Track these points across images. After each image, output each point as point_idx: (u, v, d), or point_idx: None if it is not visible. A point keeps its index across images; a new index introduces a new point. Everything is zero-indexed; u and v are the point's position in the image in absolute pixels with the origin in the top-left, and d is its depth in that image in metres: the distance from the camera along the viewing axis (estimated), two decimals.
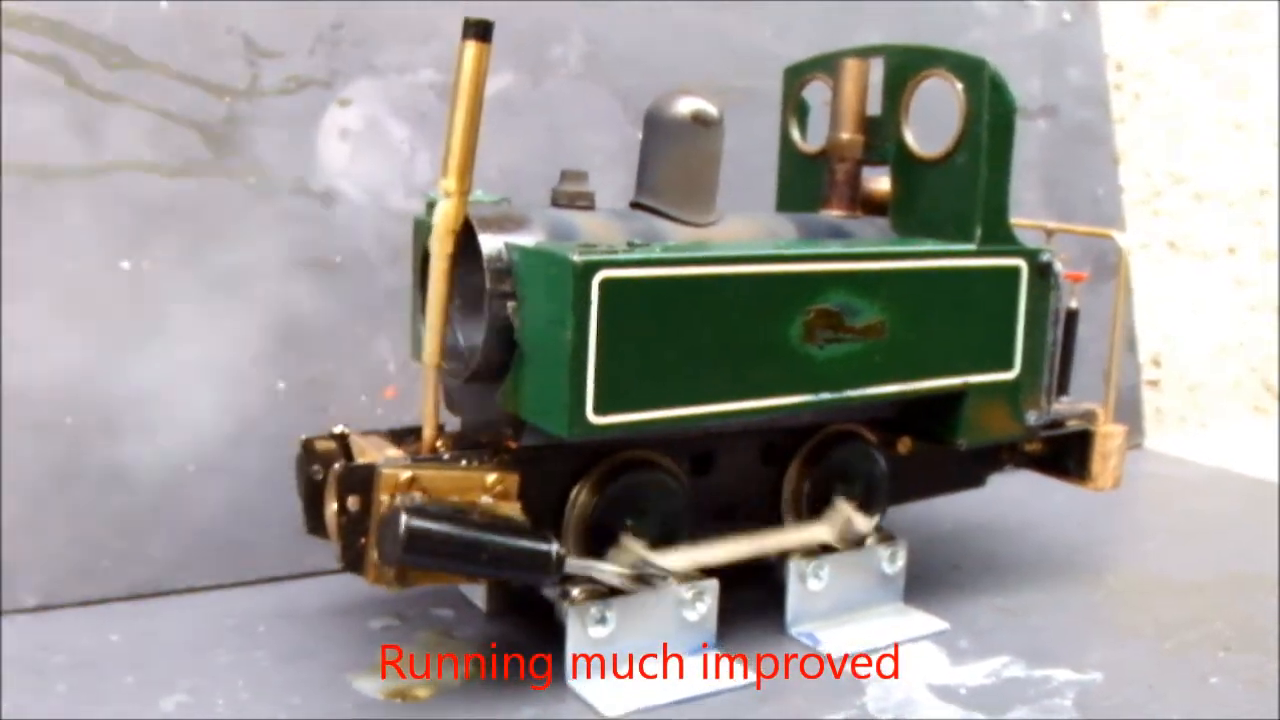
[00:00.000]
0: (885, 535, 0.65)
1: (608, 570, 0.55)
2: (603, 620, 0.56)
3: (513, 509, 0.53)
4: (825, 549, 0.63)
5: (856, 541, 0.63)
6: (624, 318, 0.50)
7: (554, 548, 0.52)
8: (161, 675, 0.56)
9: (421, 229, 0.61)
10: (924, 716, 0.55)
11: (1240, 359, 1.14)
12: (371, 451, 0.56)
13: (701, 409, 0.52)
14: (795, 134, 0.70)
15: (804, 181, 0.69)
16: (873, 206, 0.66)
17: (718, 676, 0.57)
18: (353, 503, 0.52)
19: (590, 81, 0.76)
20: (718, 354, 0.53)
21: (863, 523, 0.63)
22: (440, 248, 0.53)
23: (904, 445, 0.66)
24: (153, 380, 0.64)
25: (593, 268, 0.49)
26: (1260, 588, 0.72)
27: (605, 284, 0.49)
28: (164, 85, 0.64)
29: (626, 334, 0.50)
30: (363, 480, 0.52)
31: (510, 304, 0.52)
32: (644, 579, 0.56)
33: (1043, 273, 0.62)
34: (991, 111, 0.60)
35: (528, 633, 0.62)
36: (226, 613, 0.63)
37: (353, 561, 0.53)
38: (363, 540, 0.52)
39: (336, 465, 0.53)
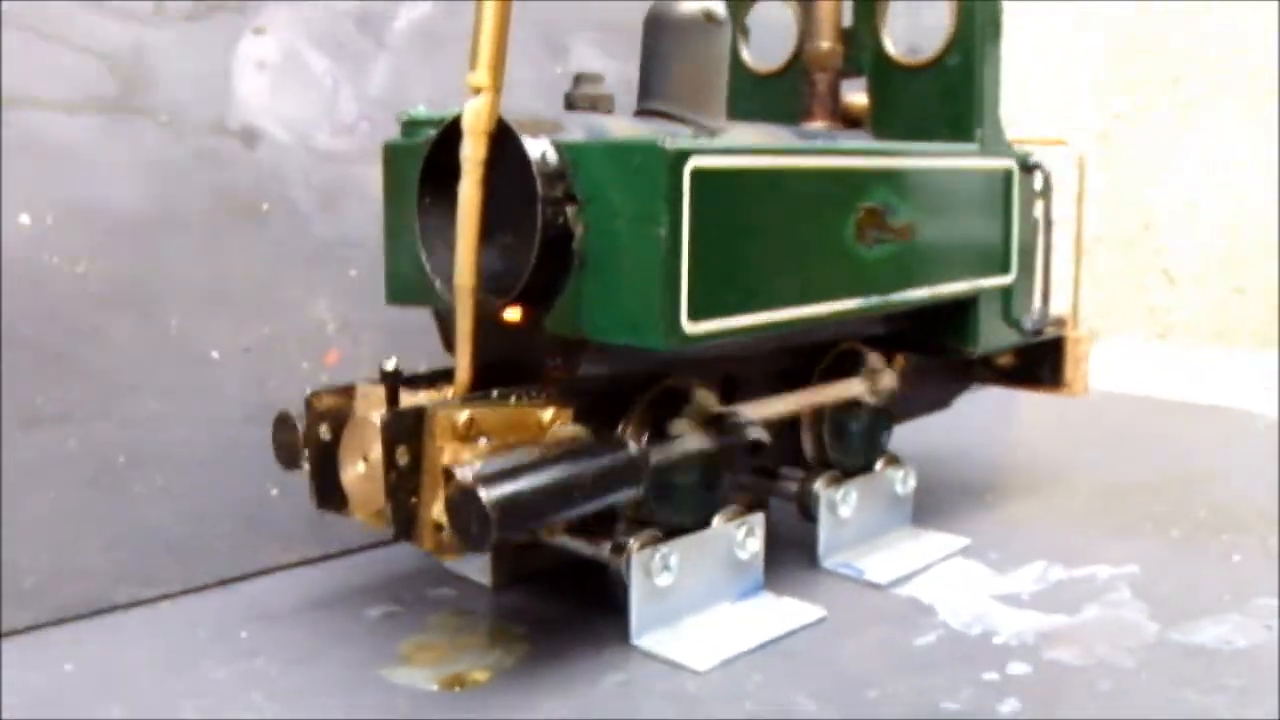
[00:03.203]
0: (893, 458, 0.63)
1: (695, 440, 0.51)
2: (667, 566, 0.51)
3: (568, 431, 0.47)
4: (846, 475, 0.60)
5: (883, 403, 0.61)
6: (714, 212, 0.45)
7: (634, 449, 0.46)
8: (154, 700, 0.46)
9: (398, 154, 0.53)
10: (1007, 625, 0.53)
11: None
12: (380, 401, 0.48)
13: (785, 314, 0.48)
14: (745, 55, 0.67)
15: (760, 101, 0.66)
16: (846, 121, 0.64)
17: (784, 618, 0.53)
18: (401, 455, 0.44)
19: None
20: (794, 253, 0.48)
21: (889, 378, 0.60)
22: (473, 152, 0.46)
23: (899, 363, 0.64)
24: (65, 354, 0.53)
25: (684, 156, 0.43)
26: (1207, 482, 0.74)
27: (696, 174, 0.44)
28: (60, 10, 0.53)
29: (716, 231, 0.45)
30: (411, 427, 0.44)
31: (569, 209, 0.46)
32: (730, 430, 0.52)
33: (1032, 176, 0.62)
34: (983, 11, 0.59)
35: (548, 601, 0.56)
36: (190, 623, 0.53)
37: (404, 526, 0.45)
38: (414, 499, 0.45)
39: (379, 414, 0.45)
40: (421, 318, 0.62)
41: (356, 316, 0.62)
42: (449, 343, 0.53)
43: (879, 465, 0.62)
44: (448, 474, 0.43)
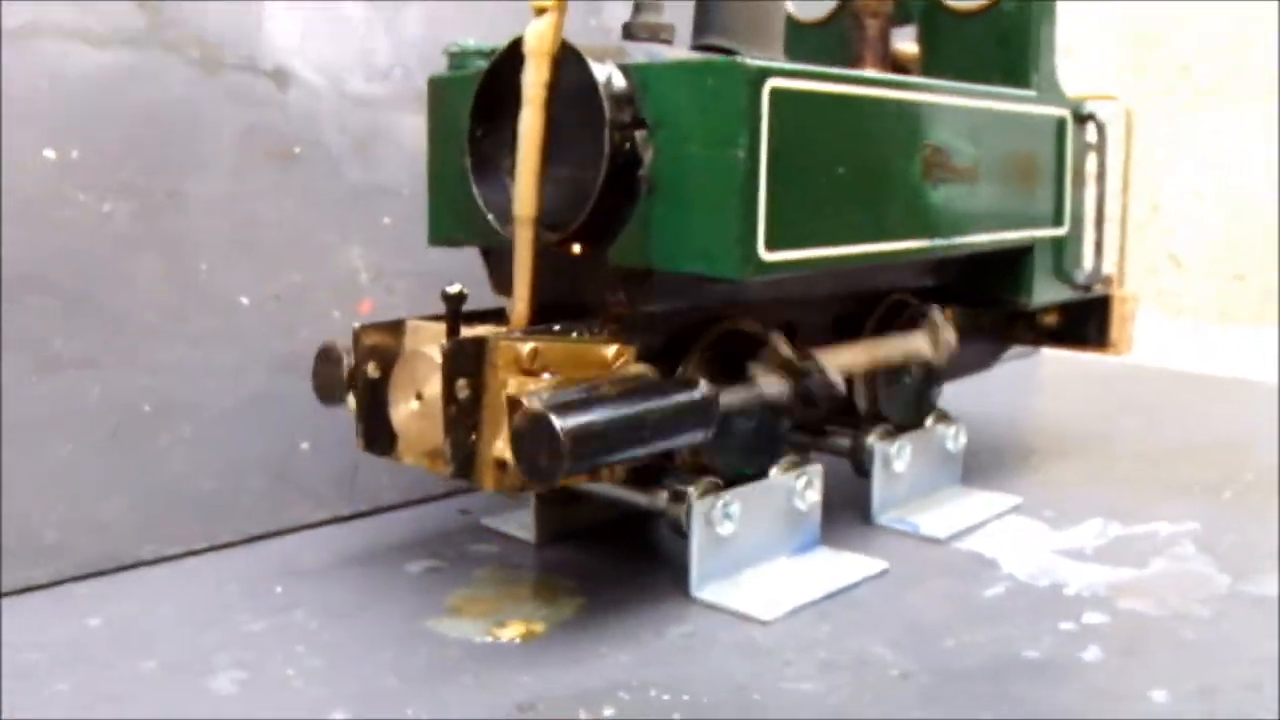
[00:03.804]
0: (943, 414, 0.61)
1: (772, 385, 0.49)
2: (728, 515, 0.49)
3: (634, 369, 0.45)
4: (900, 429, 0.58)
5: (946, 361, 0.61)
6: (791, 137, 0.43)
7: (703, 390, 0.44)
8: (188, 653, 0.44)
9: (445, 86, 0.51)
10: (1075, 578, 0.51)
11: None
12: (432, 336, 0.46)
13: (858, 249, 0.46)
14: (790, 5, 0.65)
15: (804, 50, 0.64)
16: (895, 69, 0.62)
17: (846, 570, 0.51)
18: (462, 388, 0.42)
19: None
20: (866, 186, 0.47)
21: (950, 333, 0.59)
22: (536, 75, 0.44)
23: (948, 317, 0.62)
24: (89, 296, 0.51)
25: (764, 75, 0.41)
26: (1246, 448, 0.73)
27: (775, 95, 0.42)
28: None
29: (793, 156, 0.43)
30: (472, 358, 0.42)
31: (638, 134, 0.44)
32: (804, 382, 0.50)
33: (1085, 125, 0.60)
34: None
35: (595, 555, 0.54)
36: (220, 579, 0.51)
37: (463, 464, 0.42)
38: (474, 436, 0.42)
39: (437, 346, 0.42)
40: (457, 268, 0.60)
41: (390, 265, 0.60)
42: (499, 283, 0.51)
43: (929, 421, 0.60)
44: (514, 403, 0.41)
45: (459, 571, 0.52)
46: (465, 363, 0.42)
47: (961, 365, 0.68)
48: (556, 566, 0.52)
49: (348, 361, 0.47)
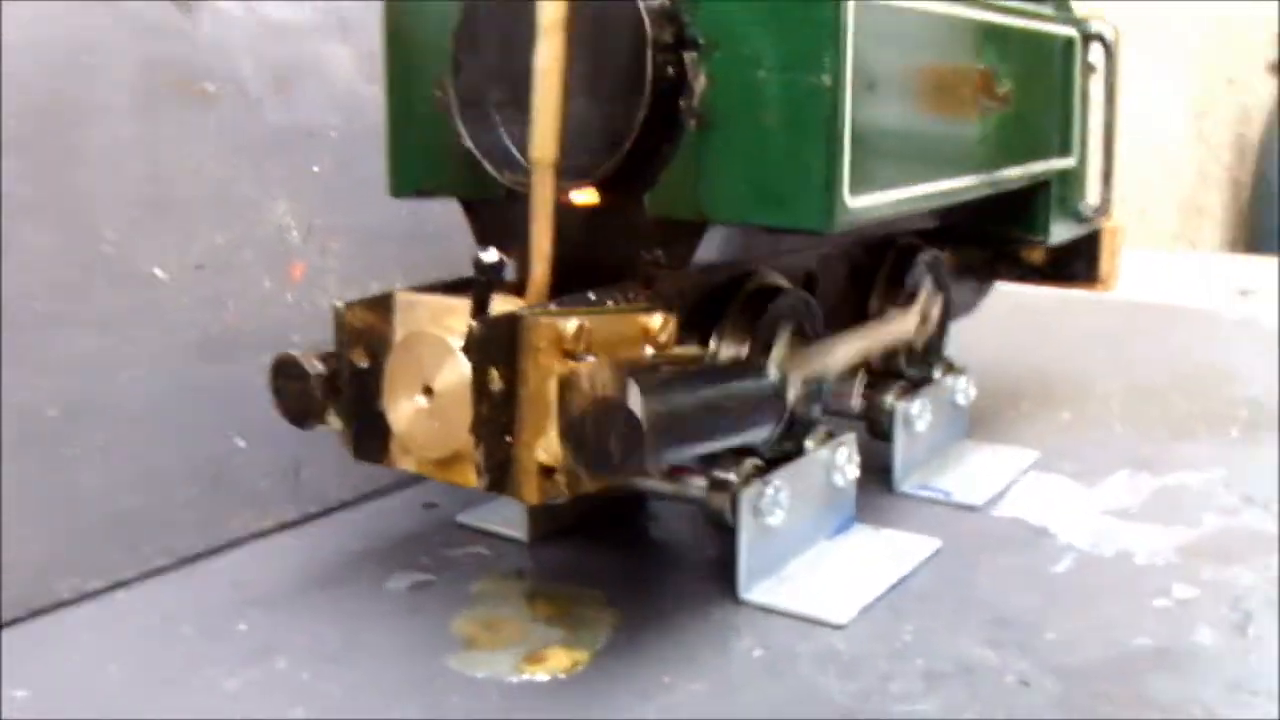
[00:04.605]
0: (950, 365, 0.56)
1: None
2: (778, 503, 0.42)
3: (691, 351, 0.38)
4: (914, 385, 0.53)
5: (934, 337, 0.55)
6: (873, 60, 0.36)
7: (775, 376, 0.37)
8: None
9: (406, 10, 0.42)
10: (1137, 544, 0.46)
11: None
12: (432, 314, 0.37)
13: (931, 188, 0.40)
14: None
15: None
16: None
17: (899, 554, 0.45)
18: (495, 379, 0.34)
19: None
20: (936, 116, 0.40)
21: (937, 306, 0.55)
22: None
23: (948, 259, 0.57)
24: None
25: None
26: (1224, 381, 0.70)
27: (860, 10, 0.35)
28: None
29: (875, 83, 0.36)
30: (505, 342, 0.34)
31: (687, 57, 0.36)
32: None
33: (1093, 46, 0.55)
34: None
35: (600, 554, 0.47)
36: (165, 617, 0.41)
37: (498, 473, 0.35)
38: (509, 437, 0.35)
39: (452, 326, 0.34)
40: (400, 222, 0.52)
41: (322, 221, 0.51)
42: (490, 240, 0.43)
43: (937, 373, 0.55)
44: (567, 386, 0.33)
45: (452, 586, 0.44)
46: (497, 347, 0.34)
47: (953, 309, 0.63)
48: (564, 572, 0.45)
49: (316, 371, 0.39)
